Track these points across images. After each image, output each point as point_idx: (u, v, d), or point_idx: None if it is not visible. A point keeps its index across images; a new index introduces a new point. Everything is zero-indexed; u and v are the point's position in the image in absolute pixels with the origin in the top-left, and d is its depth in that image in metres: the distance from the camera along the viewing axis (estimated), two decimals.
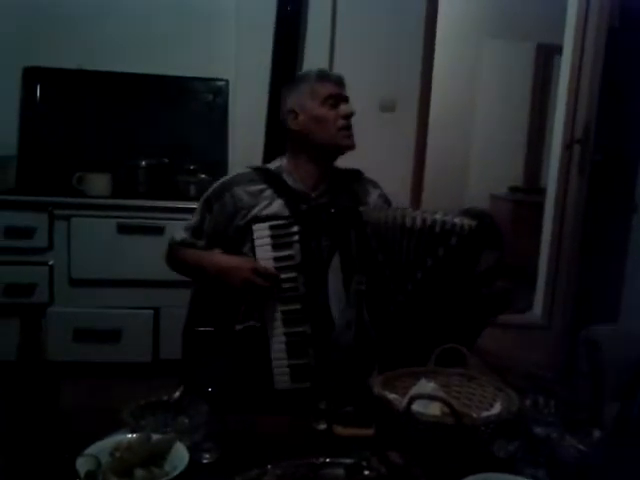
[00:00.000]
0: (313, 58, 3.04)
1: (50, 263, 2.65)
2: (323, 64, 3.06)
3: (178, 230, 1.67)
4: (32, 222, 2.61)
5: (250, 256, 1.49)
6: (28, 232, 2.60)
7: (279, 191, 1.59)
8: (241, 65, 2.97)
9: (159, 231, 2.64)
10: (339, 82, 1.63)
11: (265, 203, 1.57)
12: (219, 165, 2.99)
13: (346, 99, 1.62)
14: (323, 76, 1.63)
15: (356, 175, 1.71)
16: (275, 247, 1.46)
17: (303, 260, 1.43)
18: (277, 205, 1.57)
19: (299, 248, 1.44)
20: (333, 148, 1.60)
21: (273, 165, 1.68)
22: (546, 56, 5.16)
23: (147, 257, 2.63)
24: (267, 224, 1.47)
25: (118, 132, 3.02)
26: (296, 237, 1.45)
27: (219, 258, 1.57)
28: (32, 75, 2.96)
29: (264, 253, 1.46)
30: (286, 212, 1.55)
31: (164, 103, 3.07)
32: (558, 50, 4.00)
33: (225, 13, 3.06)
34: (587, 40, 3.13)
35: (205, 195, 1.66)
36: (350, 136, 1.60)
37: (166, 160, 2.94)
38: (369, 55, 3.11)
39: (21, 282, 2.62)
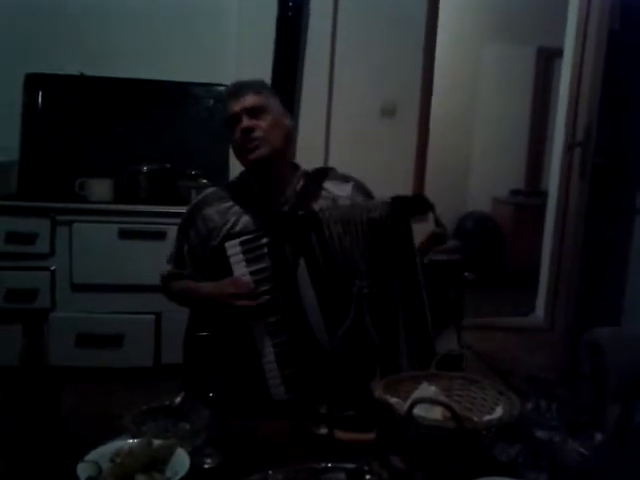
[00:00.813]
0: (314, 63, 3.05)
1: (52, 268, 2.66)
2: (323, 69, 3.07)
3: (164, 263, 1.67)
4: (34, 227, 2.62)
5: (229, 276, 1.48)
6: (30, 237, 2.61)
7: (246, 204, 1.59)
8: (242, 70, 2.98)
9: (160, 236, 2.65)
10: (237, 94, 1.56)
11: (234, 219, 1.57)
12: (220, 170, 2.99)
13: (250, 111, 1.54)
14: (224, 99, 1.60)
15: (326, 173, 1.69)
16: (249, 262, 1.45)
17: (274, 270, 1.43)
18: (245, 220, 1.57)
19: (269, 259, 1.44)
20: (248, 166, 1.60)
21: (241, 176, 1.68)
22: (547, 59, 5.17)
23: (148, 262, 2.62)
24: (237, 240, 1.46)
25: (119, 138, 3.04)
26: (266, 249, 1.44)
27: (201, 290, 1.56)
28: (34, 81, 2.98)
29: (240, 269, 1.45)
30: (254, 225, 1.54)
31: (165, 108, 3.08)
32: (558, 53, 4.01)
33: (226, 19, 3.08)
34: (588, 43, 3.13)
35: (179, 223, 1.66)
36: (251, 150, 1.54)
37: (167, 165, 2.95)
38: (370, 60, 3.12)
39: (23, 287, 2.63)
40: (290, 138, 1.64)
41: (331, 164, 2.89)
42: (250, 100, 1.55)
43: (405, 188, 3.18)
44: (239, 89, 1.58)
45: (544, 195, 4.25)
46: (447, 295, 1.50)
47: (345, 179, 1.68)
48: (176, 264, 1.64)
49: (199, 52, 3.10)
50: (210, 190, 1.67)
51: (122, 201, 2.76)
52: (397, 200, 1.42)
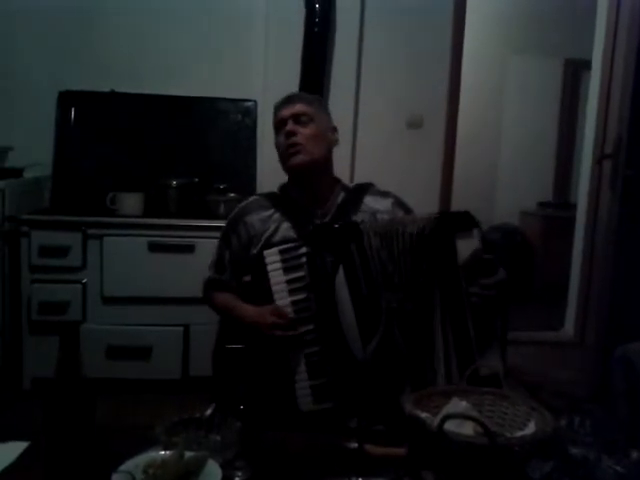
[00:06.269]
0: (340, 77, 3.07)
1: (83, 281, 2.70)
2: (350, 83, 3.10)
3: (203, 271, 1.72)
4: (66, 241, 2.67)
5: (266, 284, 1.49)
6: (62, 251, 2.66)
7: (286, 213, 1.62)
8: (269, 86, 3.02)
9: (189, 249, 2.68)
10: (288, 102, 1.65)
11: (273, 227, 1.60)
12: (248, 184, 3.03)
13: (297, 117, 1.61)
14: (276, 107, 1.68)
15: (366, 188, 1.71)
16: (286, 270, 1.47)
17: (311, 279, 1.44)
18: (285, 228, 1.60)
19: (307, 268, 1.46)
20: (288, 171, 1.65)
21: (282, 187, 1.72)
22: (574, 71, 5.12)
23: (177, 275, 2.67)
24: (276, 249, 1.49)
25: (149, 152, 3.09)
26: (304, 258, 1.46)
27: (243, 312, 1.59)
28: (67, 99, 3.05)
29: (277, 277, 1.47)
30: (293, 234, 1.58)
31: (194, 124, 3.13)
32: (586, 65, 3.97)
33: (253, 36, 3.12)
34: (617, 55, 3.10)
35: (222, 230, 1.70)
36: (294, 154, 1.60)
37: (196, 179, 2.98)
38: (396, 72, 3.13)
39: (55, 300, 2.68)
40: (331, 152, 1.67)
41: (357, 176, 2.90)
42: (298, 107, 1.62)
43: (432, 200, 3.17)
44: (292, 98, 1.67)
45: (572, 208, 4.19)
46: (493, 322, 1.49)
47: (384, 195, 1.71)
48: (217, 270, 1.68)
49: (227, 68, 3.15)
50: (252, 198, 1.71)
51: (152, 215, 2.80)
52: (442, 215, 1.43)
